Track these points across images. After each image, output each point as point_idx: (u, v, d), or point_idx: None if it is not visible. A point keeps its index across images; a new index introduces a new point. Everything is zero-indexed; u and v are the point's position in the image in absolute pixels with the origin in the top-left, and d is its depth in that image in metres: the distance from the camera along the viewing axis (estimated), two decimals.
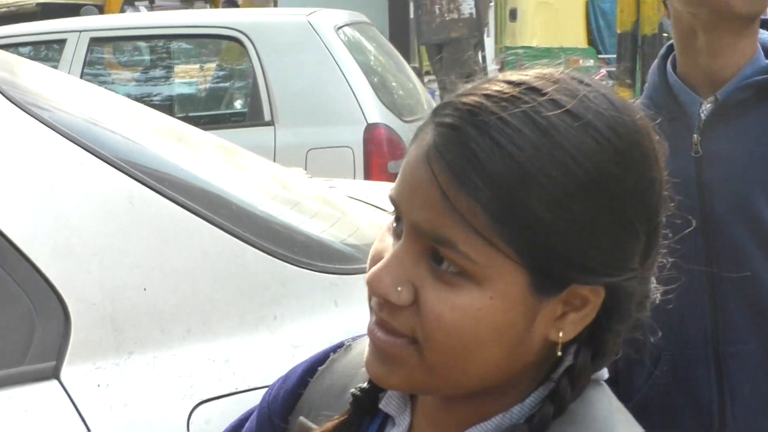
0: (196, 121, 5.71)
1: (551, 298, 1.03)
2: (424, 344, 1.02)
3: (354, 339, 1.25)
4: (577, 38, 17.84)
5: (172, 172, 2.12)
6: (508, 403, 1.08)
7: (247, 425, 1.29)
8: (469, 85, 1.05)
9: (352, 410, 1.15)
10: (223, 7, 10.85)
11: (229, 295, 1.98)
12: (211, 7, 10.19)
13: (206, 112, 7.12)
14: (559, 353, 1.05)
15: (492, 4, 21.45)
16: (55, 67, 6.15)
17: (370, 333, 1.05)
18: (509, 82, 1.03)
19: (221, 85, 7.27)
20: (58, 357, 1.85)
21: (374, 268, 1.04)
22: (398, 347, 1.03)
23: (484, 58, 17.78)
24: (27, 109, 2.04)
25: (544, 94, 1.02)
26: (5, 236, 1.87)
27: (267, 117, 6.00)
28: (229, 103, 7.09)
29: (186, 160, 2.29)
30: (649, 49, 7.54)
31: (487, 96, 1.02)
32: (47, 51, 6.73)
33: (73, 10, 8.93)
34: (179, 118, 5.31)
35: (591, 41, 18.21)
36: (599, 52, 17.13)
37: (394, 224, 1.06)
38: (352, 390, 1.16)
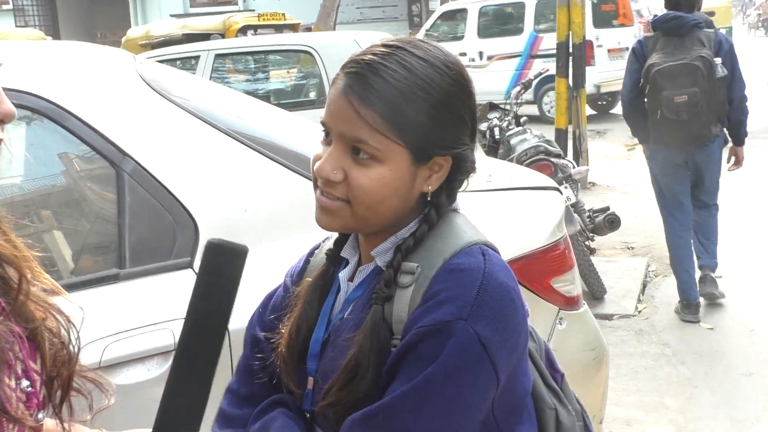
0: (284, 106, 5.66)
1: (423, 166, 1.12)
2: (353, 202, 1.10)
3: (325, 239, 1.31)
4: None
5: (259, 136, 2.10)
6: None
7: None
8: (361, 50, 1.12)
9: (327, 262, 1.25)
10: (302, 32, 10.73)
11: (297, 212, 1.97)
12: (293, 32, 10.08)
13: (291, 100, 7.02)
14: (428, 198, 1.15)
15: None
16: (193, 72, 6.13)
17: (319, 200, 1.13)
18: (385, 45, 1.12)
19: (300, 82, 7.18)
20: (191, 254, 1.86)
21: (319, 162, 1.11)
22: (337, 206, 1.11)
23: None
24: (167, 97, 2.03)
25: (405, 50, 1.10)
26: (156, 179, 1.88)
27: None
28: (305, 93, 7.02)
29: (268, 127, 2.27)
30: (576, 52, 7.38)
31: (374, 53, 1.10)
32: (188, 63, 6.71)
33: (205, 37, 8.88)
34: (273, 104, 5.30)
35: None
36: None
37: (325, 137, 1.13)
38: (325, 251, 1.26)
